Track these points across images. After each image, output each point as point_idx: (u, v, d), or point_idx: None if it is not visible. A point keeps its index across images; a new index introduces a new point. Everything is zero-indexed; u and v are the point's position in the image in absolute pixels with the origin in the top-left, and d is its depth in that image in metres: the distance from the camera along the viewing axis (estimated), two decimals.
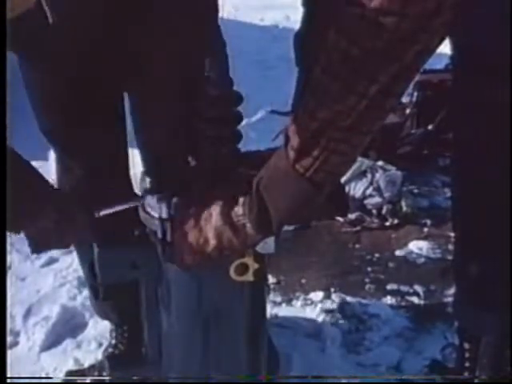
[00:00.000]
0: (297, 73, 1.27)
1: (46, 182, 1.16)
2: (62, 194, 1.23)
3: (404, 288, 2.09)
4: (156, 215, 1.13)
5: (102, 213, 1.17)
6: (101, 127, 1.37)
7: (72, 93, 1.34)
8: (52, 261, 2.23)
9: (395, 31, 0.81)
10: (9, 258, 2.15)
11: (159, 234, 1.13)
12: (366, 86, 0.85)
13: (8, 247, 2.09)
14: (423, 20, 0.81)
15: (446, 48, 1.19)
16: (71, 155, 1.52)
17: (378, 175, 2.41)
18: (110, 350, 1.76)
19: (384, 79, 0.85)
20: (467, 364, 1.62)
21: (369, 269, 2.18)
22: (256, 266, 1.11)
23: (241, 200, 1.01)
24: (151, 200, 1.13)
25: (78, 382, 1.76)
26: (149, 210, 1.15)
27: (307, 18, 1.25)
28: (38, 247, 1.17)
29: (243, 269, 1.12)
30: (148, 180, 1.17)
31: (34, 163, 1.12)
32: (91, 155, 1.46)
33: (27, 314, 2.00)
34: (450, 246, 1.71)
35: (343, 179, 1.08)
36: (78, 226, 1.19)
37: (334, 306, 2.02)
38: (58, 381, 1.78)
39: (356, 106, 0.86)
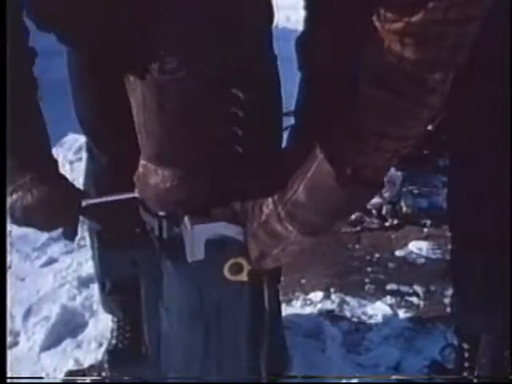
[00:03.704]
0: (300, 77, 1.27)
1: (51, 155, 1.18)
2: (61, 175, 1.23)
3: (404, 288, 2.09)
4: (153, 212, 1.13)
5: (98, 200, 1.18)
6: (127, 118, 1.38)
7: (101, 84, 1.35)
8: (52, 261, 2.23)
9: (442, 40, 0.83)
10: (9, 258, 2.15)
11: (156, 232, 1.13)
12: (427, 96, 0.88)
13: (8, 247, 2.09)
14: (465, 24, 0.83)
15: None
16: (98, 143, 1.54)
17: None
18: (111, 349, 1.76)
19: (442, 87, 0.88)
20: (467, 364, 1.62)
21: (368, 269, 2.18)
22: (250, 266, 1.12)
23: (272, 206, 1.03)
24: None
25: (78, 382, 1.76)
26: (147, 206, 1.15)
27: (309, 22, 1.25)
28: (16, 218, 1.17)
29: (237, 268, 1.12)
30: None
31: None
32: (117, 145, 1.47)
33: (27, 314, 1.99)
34: (450, 247, 1.72)
35: None
36: (65, 205, 1.19)
37: (334, 306, 2.02)
38: (58, 381, 1.78)
39: (424, 117, 0.90)
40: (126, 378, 1.68)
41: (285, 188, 1.01)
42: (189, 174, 1.09)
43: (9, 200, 1.15)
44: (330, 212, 1.00)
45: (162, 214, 1.12)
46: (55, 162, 1.21)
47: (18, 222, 1.18)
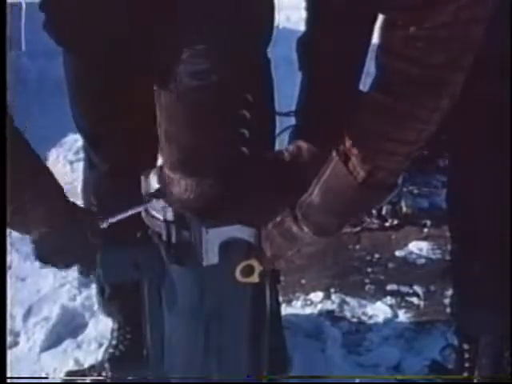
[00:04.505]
0: (300, 77, 1.27)
1: (61, 188, 1.16)
2: (74, 206, 1.23)
3: (404, 289, 2.09)
4: (161, 217, 1.13)
5: (110, 221, 1.18)
6: (130, 125, 1.37)
7: (103, 90, 1.36)
8: None
9: (452, 42, 0.83)
10: (9, 258, 2.14)
11: (164, 237, 1.13)
12: (437, 99, 0.89)
13: (8, 247, 2.09)
14: (473, 26, 0.83)
15: None
16: (98, 150, 1.53)
17: None
18: (111, 350, 1.76)
19: (451, 89, 0.88)
20: (467, 364, 1.62)
21: (369, 269, 2.18)
22: (261, 267, 1.12)
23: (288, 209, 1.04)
24: (155, 202, 1.14)
25: (78, 382, 1.76)
26: (153, 212, 1.15)
27: (310, 23, 1.25)
28: (41, 257, 1.17)
29: (249, 270, 1.12)
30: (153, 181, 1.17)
31: None
32: (117, 152, 1.46)
33: (27, 314, 1.99)
34: (450, 247, 1.72)
35: None
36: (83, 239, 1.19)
37: (334, 306, 2.02)
38: (58, 381, 1.78)
39: (433, 121, 0.90)
40: (126, 378, 1.68)
41: (292, 189, 1.02)
42: (212, 182, 1.10)
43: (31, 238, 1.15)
44: (344, 213, 1.01)
45: (169, 218, 1.12)
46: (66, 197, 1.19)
47: (44, 259, 1.19)
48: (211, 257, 1.09)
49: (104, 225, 1.17)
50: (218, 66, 1.03)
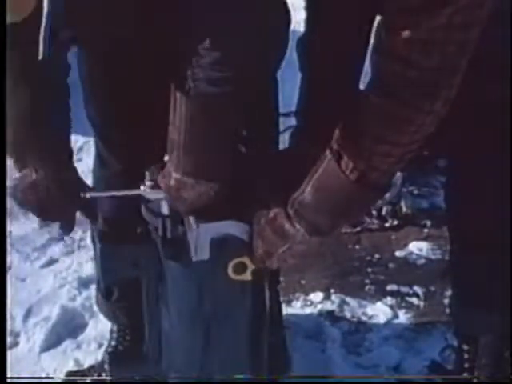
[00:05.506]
0: (300, 77, 1.28)
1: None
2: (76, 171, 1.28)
3: (404, 289, 2.08)
4: (157, 211, 1.14)
5: (98, 194, 1.20)
6: (143, 125, 1.38)
7: (116, 88, 1.36)
8: (52, 261, 2.23)
9: (447, 44, 0.83)
10: (9, 259, 2.14)
11: (160, 231, 1.13)
12: (432, 102, 0.88)
13: (8, 247, 2.09)
14: (471, 28, 0.83)
15: None
16: (111, 149, 1.53)
17: None
18: (110, 350, 1.76)
19: (446, 92, 0.88)
20: (466, 365, 1.62)
21: (369, 270, 2.18)
22: (253, 265, 1.12)
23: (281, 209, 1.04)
24: (152, 195, 1.14)
25: (78, 382, 1.76)
26: (150, 205, 1.15)
27: (310, 24, 1.25)
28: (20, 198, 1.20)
29: (241, 268, 1.12)
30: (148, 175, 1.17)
31: None
32: (130, 153, 1.47)
33: (27, 314, 1.99)
34: (449, 247, 1.72)
35: None
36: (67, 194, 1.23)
37: (334, 306, 2.02)
38: (58, 381, 1.78)
39: (427, 123, 0.90)
40: (126, 378, 1.68)
41: (289, 187, 1.02)
42: (224, 186, 1.10)
43: (16, 175, 1.20)
44: (336, 212, 1.01)
45: (165, 213, 1.12)
46: (71, 152, 1.30)
47: (17, 197, 1.21)
48: (202, 252, 1.09)
49: (87, 195, 1.19)
50: (237, 74, 1.03)
